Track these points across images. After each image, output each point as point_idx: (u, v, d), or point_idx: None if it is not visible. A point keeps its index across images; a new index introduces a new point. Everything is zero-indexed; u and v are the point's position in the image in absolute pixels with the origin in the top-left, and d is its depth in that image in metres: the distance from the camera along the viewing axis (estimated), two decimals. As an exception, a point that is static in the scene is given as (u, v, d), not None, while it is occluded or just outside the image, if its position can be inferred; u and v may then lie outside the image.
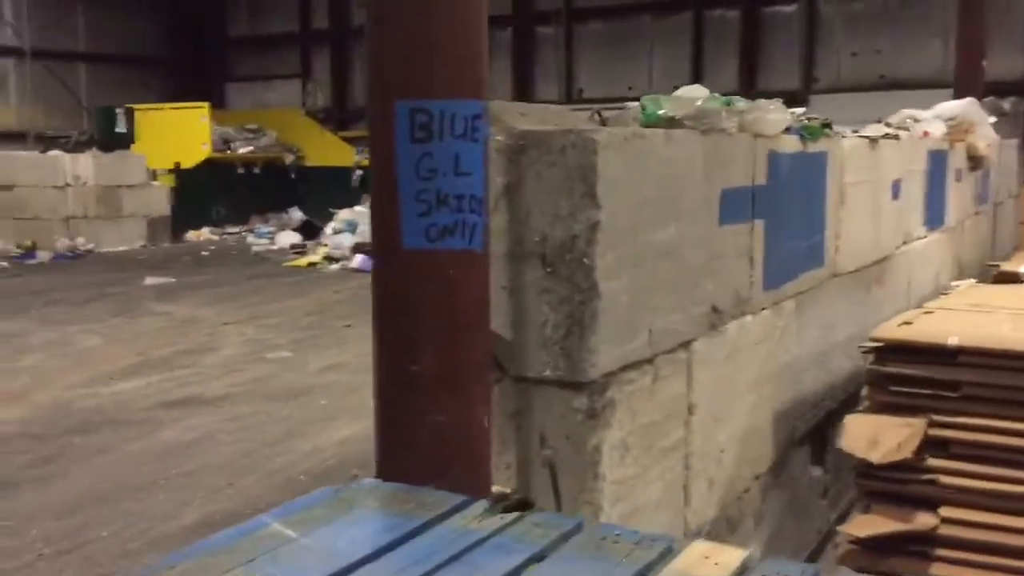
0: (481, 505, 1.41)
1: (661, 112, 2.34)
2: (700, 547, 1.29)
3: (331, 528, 1.32)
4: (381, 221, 1.80)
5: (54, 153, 13.11)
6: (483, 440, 1.86)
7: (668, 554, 1.27)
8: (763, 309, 2.73)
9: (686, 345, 2.35)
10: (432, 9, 1.75)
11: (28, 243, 12.17)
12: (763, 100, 2.70)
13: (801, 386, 3.07)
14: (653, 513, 2.22)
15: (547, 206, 1.95)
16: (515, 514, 1.39)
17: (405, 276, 1.79)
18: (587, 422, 1.99)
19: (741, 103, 2.56)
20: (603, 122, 2.41)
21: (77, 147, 13.60)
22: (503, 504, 1.49)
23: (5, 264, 11.36)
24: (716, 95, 2.51)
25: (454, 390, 1.80)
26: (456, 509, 1.40)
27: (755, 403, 2.72)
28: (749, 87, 14.72)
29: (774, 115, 2.68)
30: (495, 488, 2.05)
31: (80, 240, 12.37)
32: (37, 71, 15.94)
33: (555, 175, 1.94)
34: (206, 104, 14.33)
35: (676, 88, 2.67)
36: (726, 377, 2.54)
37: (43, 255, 11.85)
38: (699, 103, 2.38)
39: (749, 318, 2.63)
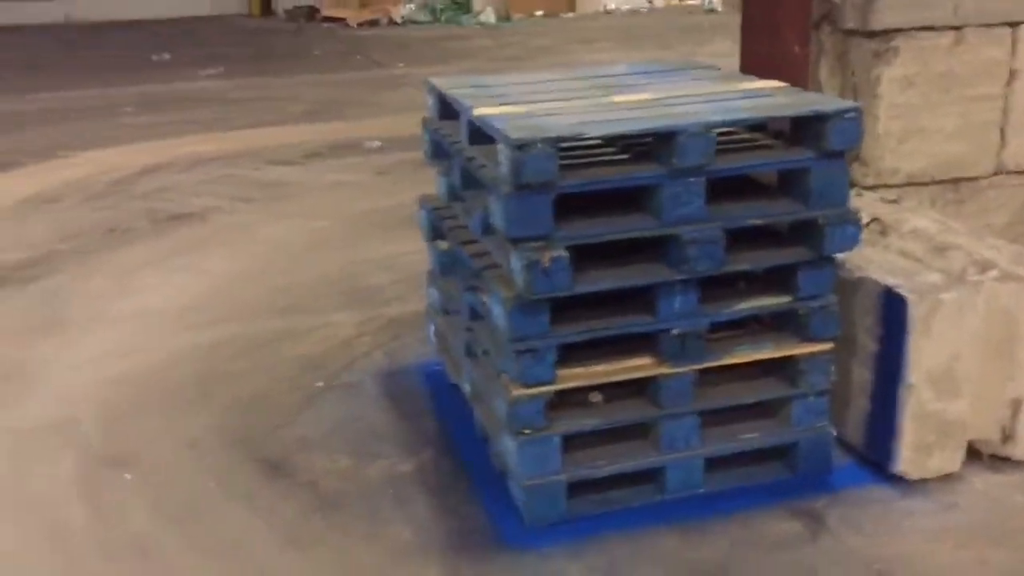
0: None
1: None
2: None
3: (639, 71, 2.93)
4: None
5: None
6: (794, 64, 3.16)
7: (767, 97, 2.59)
8: None
9: (1014, 24, 3.16)
10: None
11: None
12: None
13: None
14: (945, 138, 3.21)
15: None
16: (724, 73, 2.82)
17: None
18: (873, 60, 3.11)
19: None
20: None
21: None
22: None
23: None
24: None
25: (771, 30, 3.14)
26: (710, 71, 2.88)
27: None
28: None
29: None
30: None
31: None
32: None
33: None
34: None
35: None
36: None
37: None
38: None
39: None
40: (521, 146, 2.07)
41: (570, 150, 2.31)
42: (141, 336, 3.57)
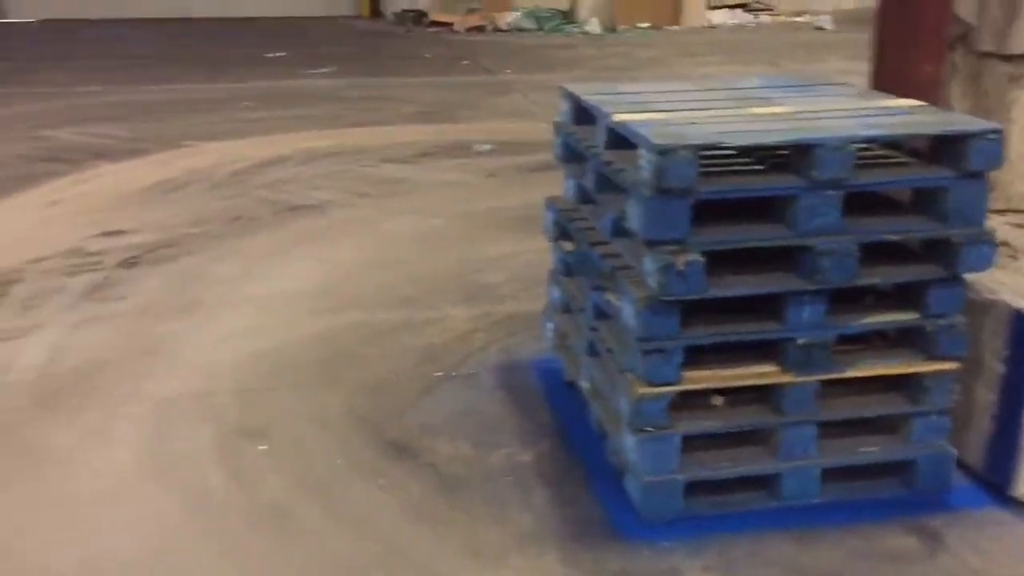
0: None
1: None
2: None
3: (781, 84, 2.97)
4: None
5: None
6: (926, 83, 3.16)
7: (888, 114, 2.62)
8: None
9: None
10: None
11: None
12: None
13: None
14: (1078, 163, 3.17)
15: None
16: (853, 89, 2.84)
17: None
18: (1008, 83, 3.09)
19: None
20: None
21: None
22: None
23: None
24: None
25: (904, 49, 3.15)
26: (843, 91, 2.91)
27: None
28: None
29: None
30: (944, 118, 3.31)
31: None
32: None
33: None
34: None
35: None
36: None
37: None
38: None
39: None
40: (664, 152, 2.14)
41: (703, 158, 2.37)
42: (269, 319, 3.75)
